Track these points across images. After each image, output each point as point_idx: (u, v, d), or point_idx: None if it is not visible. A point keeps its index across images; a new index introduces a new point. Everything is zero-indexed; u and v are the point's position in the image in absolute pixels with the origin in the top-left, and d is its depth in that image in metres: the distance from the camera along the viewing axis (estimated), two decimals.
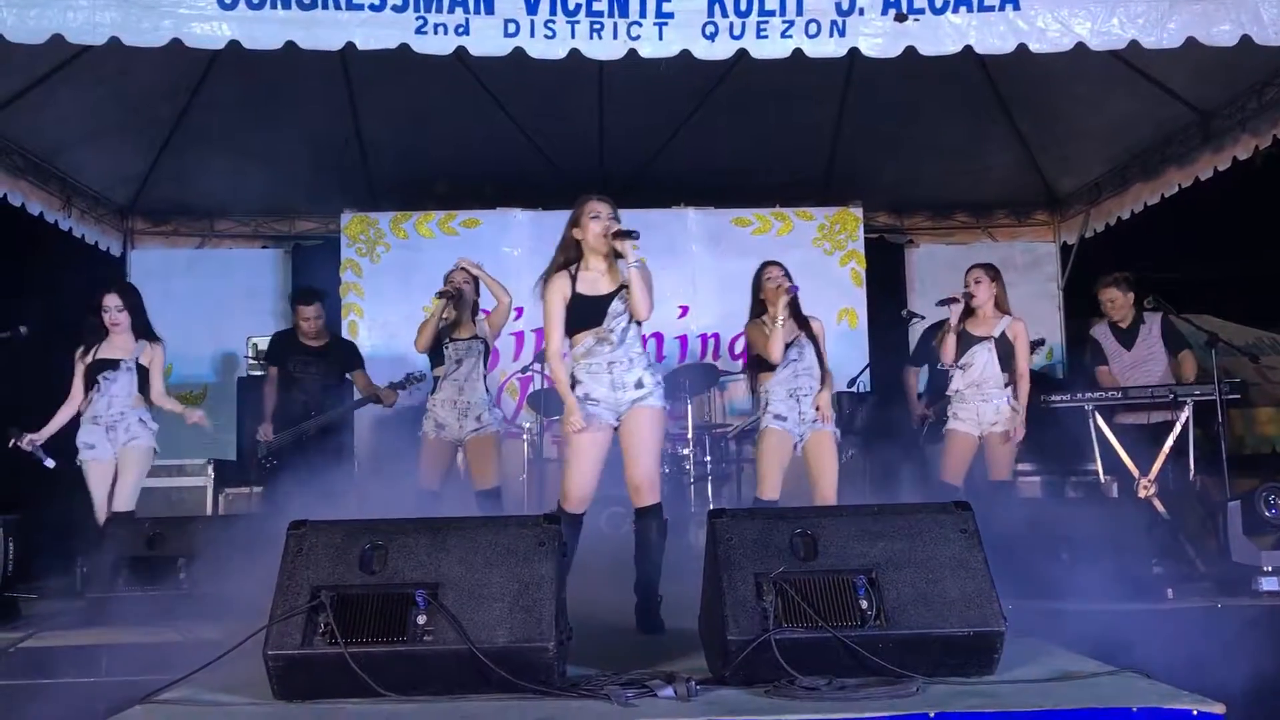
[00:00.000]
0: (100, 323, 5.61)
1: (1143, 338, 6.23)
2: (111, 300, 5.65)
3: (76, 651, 4.19)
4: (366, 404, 6.50)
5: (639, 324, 4.28)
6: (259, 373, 8.08)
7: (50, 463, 5.49)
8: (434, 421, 5.55)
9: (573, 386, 4.23)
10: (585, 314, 4.24)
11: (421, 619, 2.73)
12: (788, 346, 5.33)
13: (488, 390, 5.72)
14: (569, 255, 4.32)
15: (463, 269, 5.68)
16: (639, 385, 4.22)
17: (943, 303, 5.77)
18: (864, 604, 2.81)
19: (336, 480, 6.50)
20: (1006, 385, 5.54)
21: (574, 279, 4.26)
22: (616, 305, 4.21)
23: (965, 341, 5.62)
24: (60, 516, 5.49)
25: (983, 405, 5.52)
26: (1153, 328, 6.23)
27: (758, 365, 5.46)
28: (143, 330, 5.70)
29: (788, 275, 5.40)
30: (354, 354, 6.77)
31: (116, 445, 5.52)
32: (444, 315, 5.56)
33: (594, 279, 4.27)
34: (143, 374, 5.63)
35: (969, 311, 5.67)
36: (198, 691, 2.88)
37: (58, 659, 4.17)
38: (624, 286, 4.21)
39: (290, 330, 6.75)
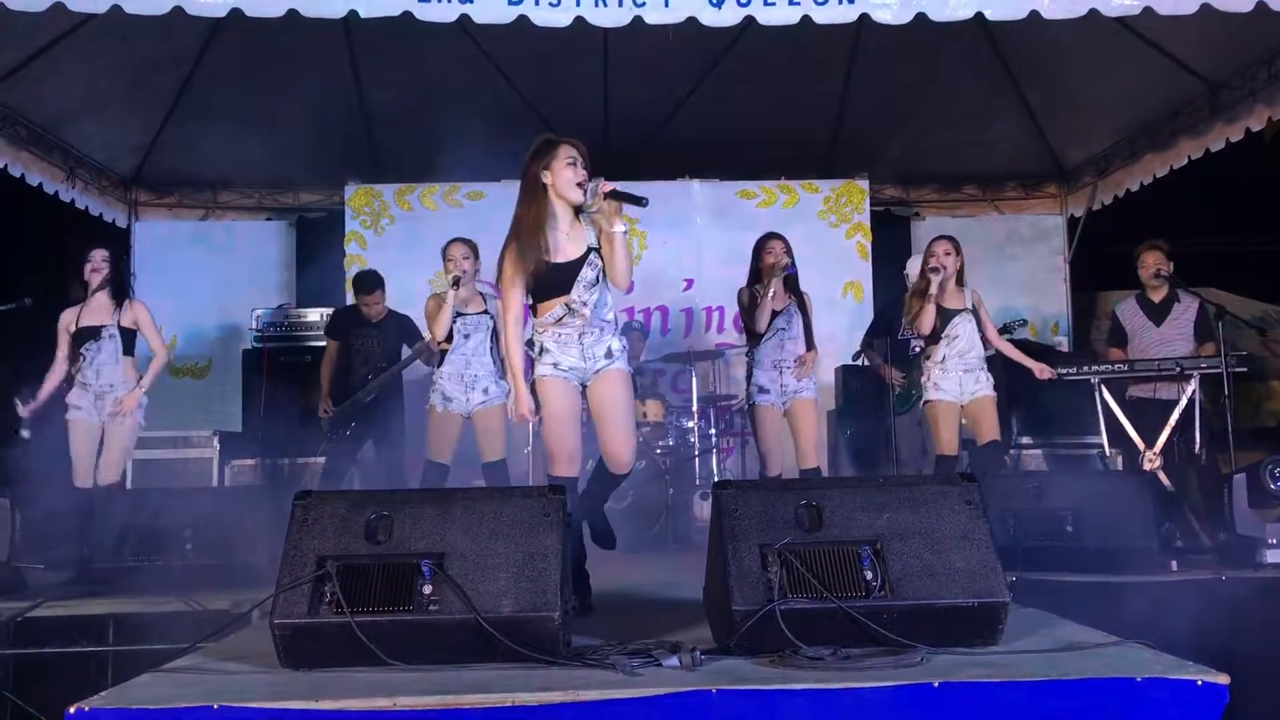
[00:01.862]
0: (81, 279, 5.56)
1: (1174, 316, 6.14)
2: (99, 254, 5.61)
3: (83, 621, 4.21)
4: (414, 360, 6.51)
5: (607, 289, 3.91)
6: (263, 345, 8.10)
7: (26, 434, 5.53)
8: (441, 395, 5.52)
9: (540, 354, 3.89)
10: (552, 282, 3.82)
11: (427, 589, 2.73)
12: (776, 315, 5.60)
13: (496, 363, 5.72)
14: (538, 208, 3.80)
15: (459, 242, 5.64)
16: (608, 355, 3.90)
17: (932, 270, 5.68)
18: (868, 575, 2.81)
19: (397, 444, 6.59)
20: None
21: (539, 238, 3.78)
22: (587, 273, 3.80)
23: (943, 315, 5.63)
24: (66, 489, 5.50)
25: (965, 375, 5.55)
26: (1188, 309, 6.14)
27: (749, 331, 5.69)
28: (120, 292, 5.62)
29: (789, 251, 5.54)
30: (411, 327, 6.78)
31: (103, 414, 5.48)
32: (456, 299, 5.47)
33: (559, 242, 3.82)
34: (128, 337, 5.57)
35: (930, 284, 5.65)
36: (205, 660, 2.89)
37: (65, 629, 4.20)
38: (592, 250, 3.83)
39: (353, 307, 6.80)
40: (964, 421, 5.63)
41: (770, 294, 5.49)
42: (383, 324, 6.69)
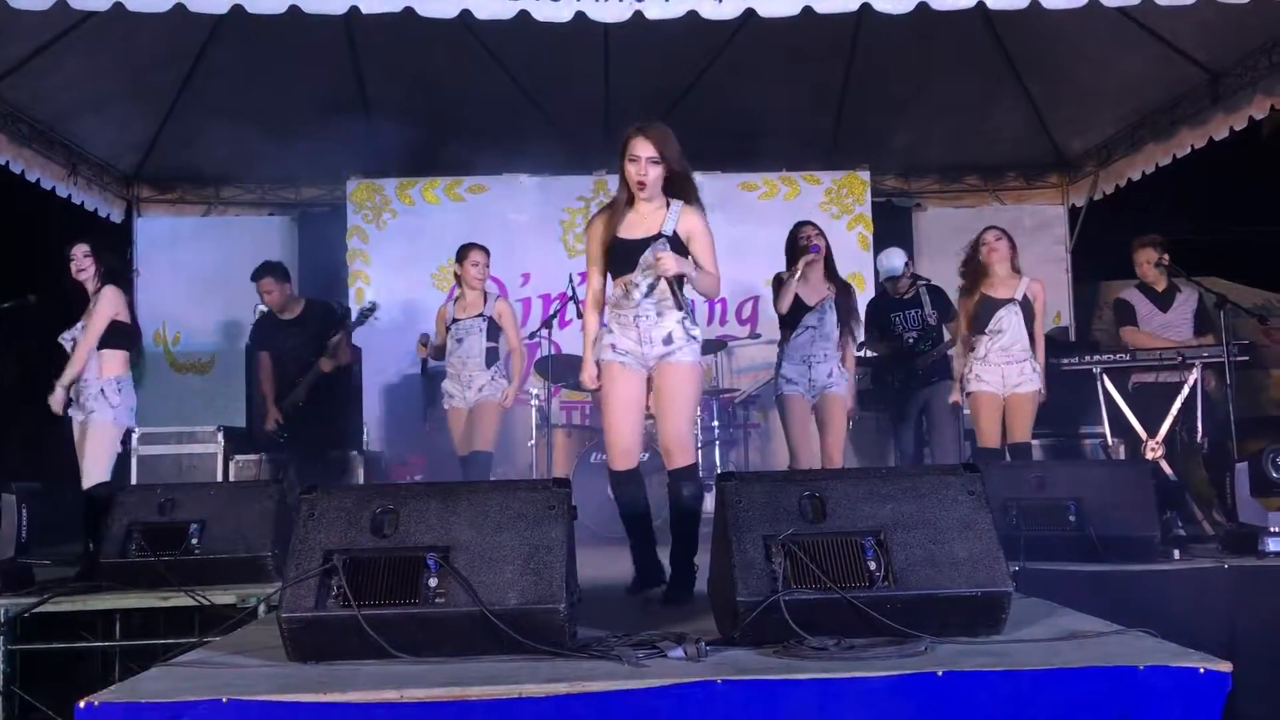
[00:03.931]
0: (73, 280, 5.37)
1: (1179, 303, 6.21)
2: (79, 250, 5.36)
3: (92, 616, 4.23)
4: (328, 361, 6.50)
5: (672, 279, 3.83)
6: None
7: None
8: (446, 394, 6.04)
9: (605, 332, 3.93)
10: (620, 259, 3.88)
11: (433, 581, 2.75)
12: (809, 311, 5.44)
13: (497, 361, 6.04)
14: (621, 194, 3.95)
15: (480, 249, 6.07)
16: (667, 341, 3.83)
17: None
18: (872, 565, 2.82)
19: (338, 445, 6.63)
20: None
21: (617, 218, 3.90)
22: (648, 256, 3.80)
23: (987, 306, 5.56)
24: (74, 483, 5.52)
25: (1008, 367, 5.50)
26: (1189, 299, 6.20)
27: (782, 320, 5.55)
28: (104, 279, 5.33)
29: (822, 234, 5.46)
30: (328, 317, 6.71)
31: (85, 413, 5.29)
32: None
33: (634, 220, 3.88)
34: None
35: (984, 273, 5.64)
36: (213, 654, 2.91)
37: (73, 623, 4.22)
38: (660, 235, 3.82)
39: (268, 311, 6.77)
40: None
41: (797, 276, 5.32)
42: (301, 320, 6.63)
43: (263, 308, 7.77)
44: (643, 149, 3.82)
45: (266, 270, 6.66)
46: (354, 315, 6.57)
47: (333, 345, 6.41)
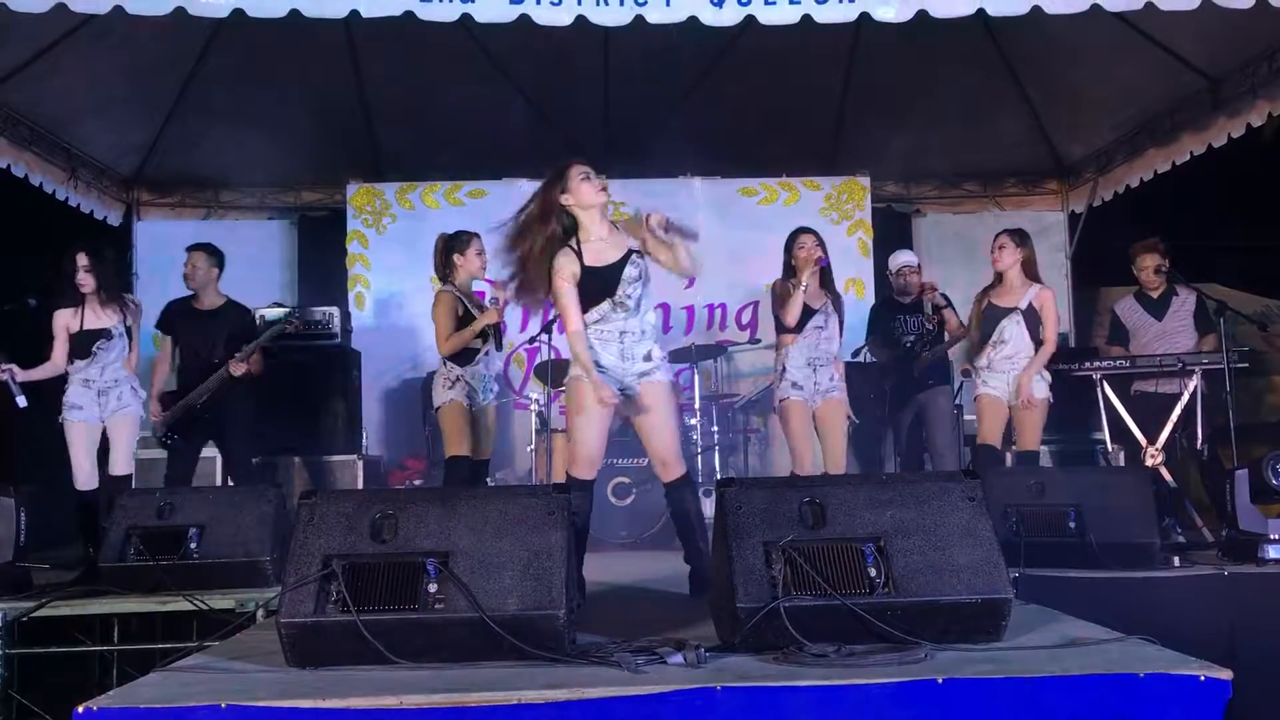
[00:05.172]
0: (73, 284, 5.51)
1: (1175, 309, 6.17)
2: (81, 260, 5.53)
3: (88, 621, 4.23)
4: (222, 377, 5.86)
5: (652, 294, 4.17)
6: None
7: (22, 401, 5.37)
8: (466, 394, 5.44)
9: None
10: (597, 286, 4.06)
11: (433, 587, 2.74)
12: (814, 313, 5.45)
13: None
14: (562, 224, 4.09)
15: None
16: (647, 358, 4.11)
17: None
18: (872, 571, 2.81)
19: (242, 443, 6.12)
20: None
21: (579, 253, 4.08)
22: (630, 271, 4.06)
23: (991, 315, 5.57)
24: (69, 487, 5.51)
25: (1015, 374, 5.51)
26: (1186, 301, 6.17)
27: (782, 326, 5.52)
28: (117, 292, 5.70)
29: (821, 245, 5.48)
30: (248, 323, 6.22)
31: (106, 411, 5.53)
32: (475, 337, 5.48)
33: (599, 248, 4.09)
34: (129, 335, 5.68)
35: (997, 279, 5.65)
36: (212, 659, 2.90)
37: (71, 628, 4.21)
38: (633, 252, 4.09)
39: (185, 297, 6.16)
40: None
41: (804, 286, 5.35)
42: (217, 314, 6.03)
43: (259, 312, 7.38)
44: (590, 168, 4.10)
45: (202, 246, 6.15)
46: (272, 327, 6.10)
47: (247, 350, 5.85)
